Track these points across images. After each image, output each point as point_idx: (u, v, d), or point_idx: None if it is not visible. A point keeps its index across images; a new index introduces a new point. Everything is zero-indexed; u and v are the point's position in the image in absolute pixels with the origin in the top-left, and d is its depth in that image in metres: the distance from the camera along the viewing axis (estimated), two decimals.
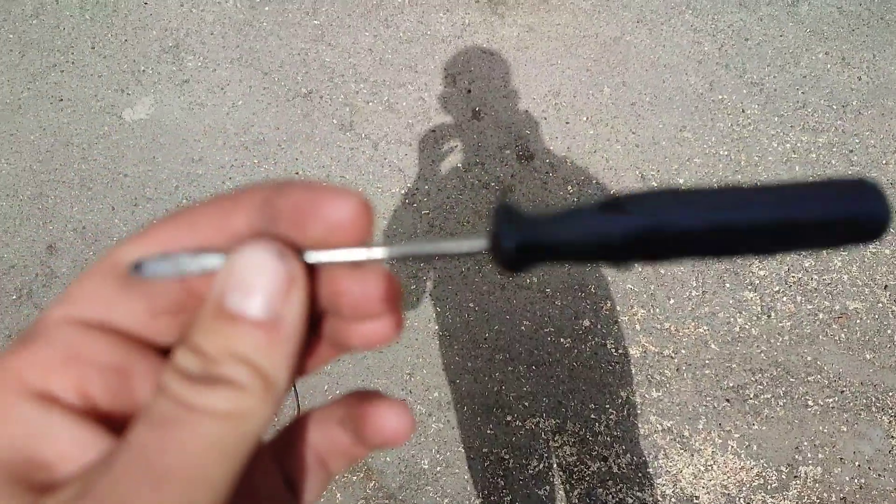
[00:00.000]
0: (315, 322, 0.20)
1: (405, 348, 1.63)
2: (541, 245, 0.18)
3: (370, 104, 1.85)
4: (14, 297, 1.65)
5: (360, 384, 1.60)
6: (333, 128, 1.83)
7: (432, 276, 1.69)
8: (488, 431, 1.56)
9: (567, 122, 1.83)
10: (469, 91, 1.88)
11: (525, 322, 1.65)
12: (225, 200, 0.17)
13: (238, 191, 0.17)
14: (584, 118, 1.83)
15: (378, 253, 0.18)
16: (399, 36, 1.94)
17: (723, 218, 0.17)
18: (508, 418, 1.56)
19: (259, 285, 0.16)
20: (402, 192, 1.76)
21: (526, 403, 1.58)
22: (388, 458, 1.54)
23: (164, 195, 1.77)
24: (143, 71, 1.90)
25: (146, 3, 1.98)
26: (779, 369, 1.58)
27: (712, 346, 1.61)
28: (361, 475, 1.53)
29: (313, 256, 0.17)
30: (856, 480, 1.46)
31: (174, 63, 1.90)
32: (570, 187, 1.77)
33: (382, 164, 1.79)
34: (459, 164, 1.79)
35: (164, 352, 0.18)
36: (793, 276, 1.65)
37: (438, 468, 1.54)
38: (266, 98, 1.87)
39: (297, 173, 1.80)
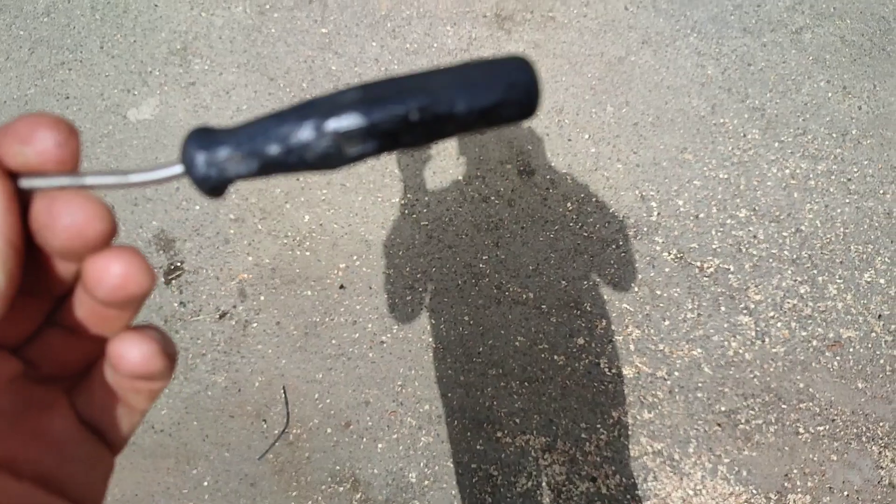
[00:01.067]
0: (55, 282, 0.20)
1: (398, 359, 1.65)
2: (241, 164, 0.18)
3: None
4: None
5: (350, 393, 1.62)
6: None
7: (429, 288, 1.71)
8: (478, 447, 1.57)
9: (569, 140, 1.87)
10: None
11: (519, 338, 1.67)
12: None
13: None
14: (587, 136, 1.87)
15: (84, 180, 0.18)
16: (405, 47, 1.99)
17: (388, 114, 0.18)
18: (499, 434, 1.58)
19: None
20: (402, 202, 1.79)
21: (517, 420, 1.60)
22: (375, 471, 1.56)
23: (164, 196, 1.80)
24: (150, 72, 1.94)
25: (156, 6, 2.02)
26: (771, 395, 1.60)
27: (706, 369, 1.63)
28: (348, 486, 1.55)
29: (26, 182, 0.18)
30: None
31: (181, 65, 1.94)
32: (569, 204, 1.80)
33: (383, 173, 1.82)
34: (460, 177, 1.83)
35: None
36: (788, 303, 1.67)
37: (426, 482, 1.55)
38: (271, 103, 1.91)
39: (297, 178, 1.83)
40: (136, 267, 0.19)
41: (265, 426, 1.60)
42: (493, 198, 1.81)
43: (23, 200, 0.18)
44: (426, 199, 1.80)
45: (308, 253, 1.76)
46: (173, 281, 1.73)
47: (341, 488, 1.54)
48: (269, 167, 0.18)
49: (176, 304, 1.71)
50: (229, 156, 0.18)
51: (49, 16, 2.03)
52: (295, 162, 0.18)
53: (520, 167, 1.85)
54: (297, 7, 2.03)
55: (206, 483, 1.54)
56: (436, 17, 2.03)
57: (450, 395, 1.62)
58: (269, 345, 1.67)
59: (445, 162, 1.85)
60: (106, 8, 2.03)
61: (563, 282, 1.72)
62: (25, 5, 2.05)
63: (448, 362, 1.65)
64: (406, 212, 1.79)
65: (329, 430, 1.59)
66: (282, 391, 1.62)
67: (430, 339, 1.67)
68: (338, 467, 1.56)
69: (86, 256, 0.18)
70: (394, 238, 1.77)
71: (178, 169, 0.19)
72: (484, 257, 1.75)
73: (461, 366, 1.64)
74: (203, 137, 0.19)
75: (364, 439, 1.58)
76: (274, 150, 0.18)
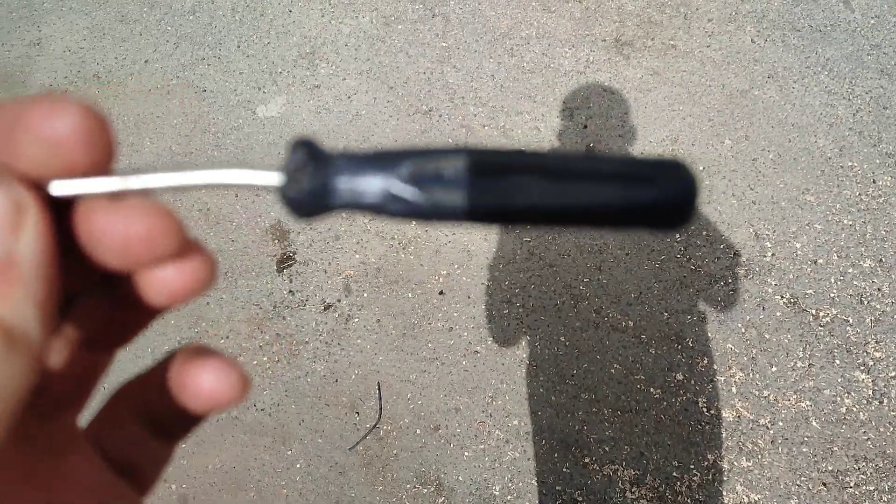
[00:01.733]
0: (107, 281, 0.18)
1: (490, 371, 1.69)
2: (345, 192, 0.17)
3: (486, 128, 1.95)
4: None
5: (442, 398, 1.67)
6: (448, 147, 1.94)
7: (526, 304, 1.74)
8: (564, 469, 1.58)
9: None
10: (585, 126, 1.94)
11: (616, 365, 1.67)
12: None
13: None
14: (701, 167, 1.85)
15: (139, 182, 0.16)
16: (522, 66, 2.04)
17: (506, 203, 0.17)
18: (586, 460, 1.58)
19: None
20: None
21: (606, 448, 1.59)
22: (460, 478, 1.59)
23: None
24: (280, 73, 2.09)
25: (291, 11, 2.18)
26: (886, 461, 1.52)
27: (814, 423, 1.56)
28: (432, 489, 1.59)
29: (55, 188, 0.15)
30: None
31: (308, 69, 2.08)
32: (677, 235, 1.78)
33: None
34: None
35: None
36: None
37: (509, 497, 1.57)
38: (388, 110, 2.01)
39: None
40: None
41: (357, 418, 1.67)
42: None
43: (56, 208, 0.15)
44: None
45: (412, 257, 1.83)
46: (285, 270, 1.85)
47: (425, 490, 1.59)
48: (375, 208, 0.17)
49: (286, 292, 1.82)
50: (343, 184, 0.17)
51: (194, 14, 2.23)
52: (393, 211, 0.17)
53: None
54: (421, 21, 2.13)
55: (298, 465, 1.63)
56: (555, 38, 2.08)
57: (539, 413, 1.64)
58: (368, 341, 1.75)
59: None
60: (245, 10, 2.21)
61: (666, 314, 1.71)
62: (175, 3, 2.26)
63: (540, 380, 1.67)
64: (508, 226, 1.83)
65: (418, 431, 1.64)
66: (376, 387, 1.69)
67: (524, 355, 1.70)
68: (423, 469, 1.61)
69: (142, 272, 0.16)
70: (495, 251, 1.81)
71: (274, 179, 0.17)
72: (585, 279, 1.76)
73: (553, 385, 1.66)
74: (311, 152, 0.17)
75: (451, 445, 1.62)
76: (381, 193, 0.17)
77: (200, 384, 0.18)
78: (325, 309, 1.80)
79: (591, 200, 0.16)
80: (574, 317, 1.72)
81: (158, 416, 0.20)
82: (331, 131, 1.98)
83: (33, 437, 0.17)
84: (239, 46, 2.14)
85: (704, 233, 1.78)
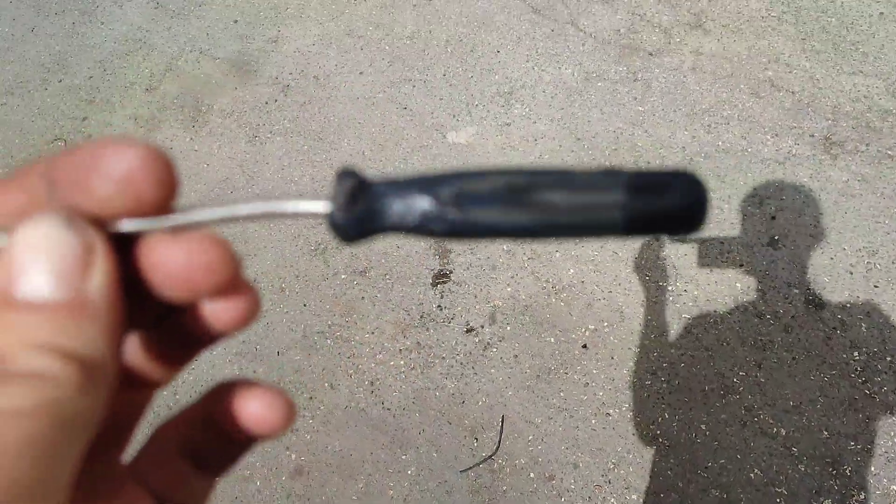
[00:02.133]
0: (161, 314, 0.20)
1: (619, 437, 1.79)
2: (388, 217, 0.19)
3: None
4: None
5: (563, 450, 1.80)
6: None
7: (671, 382, 1.83)
8: None
9: (875, 286, 1.87)
10: (773, 218, 2.03)
11: (756, 471, 1.69)
12: (2, 179, 0.17)
13: (18, 168, 0.17)
14: None
15: (197, 216, 0.18)
16: (717, 143, 2.19)
17: (531, 222, 0.19)
18: None
19: (49, 262, 0.16)
20: (669, 288, 1.96)
21: None
22: None
23: None
24: (476, 105, 2.41)
25: (498, 52, 2.52)
26: None
27: None
28: None
29: (122, 225, 0.18)
30: None
31: (503, 107, 2.39)
32: (857, 353, 1.79)
33: (659, 254, 2.02)
34: (738, 284, 1.94)
35: None
36: None
37: None
38: (570, 159, 2.24)
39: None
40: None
41: (475, 444, 1.84)
42: (768, 317, 1.88)
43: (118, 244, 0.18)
44: (695, 293, 1.94)
45: (562, 304, 2.01)
46: (439, 285, 2.11)
47: None
48: (417, 228, 0.20)
49: (434, 306, 2.07)
50: (387, 207, 0.19)
51: (412, 40, 2.65)
52: (434, 231, 0.20)
53: (808, 296, 1.89)
54: (622, 82, 2.37)
55: (409, 471, 1.83)
56: (758, 123, 2.21)
57: (662, 495, 1.70)
58: (502, 373, 1.93)
59: (726, 264, 1.98)
60: (457, 44, 2.59)
61: (825, 432, 1.71)
62: (396, 27, 2.71)
63: (670, 462, 1.74)
64: (670, 298, 1.95)
65: (532, 475, 1.78)
66: (500, 419, 1.86)
67: (658, 432, 1.78)
68: None
69: (201, 300, 0.19)
70: (650, 319, 1.93)
71: (322, 207, 0.19)
72: (741, 373, 1.82)
73: (683, 472, 1.72)
74: (356, 181, 0.20)
75: (562, 499, 1.73)
76: (412, 215, 0.19)
77: (247, 410, 0.20)
78: (468, 331, 2.02)
79: (612, 212, 0.19)
80: (721, 408, 1.78)
81: (202, 450, 0.22)
82: None
83: (82, 478, 0.17)
84: (444, 75, 2.51)
85: (889, 359, 1.77)
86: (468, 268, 2.12)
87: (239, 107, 2.55)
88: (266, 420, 0.20)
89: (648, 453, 1.76)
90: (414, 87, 2.51)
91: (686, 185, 0.19)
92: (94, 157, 0.17)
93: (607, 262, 2.04)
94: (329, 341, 2.07)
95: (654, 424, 1.79)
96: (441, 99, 2.46)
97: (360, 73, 2.59)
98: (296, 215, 0.20)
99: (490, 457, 1.81)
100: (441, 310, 2.07)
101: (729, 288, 1.93)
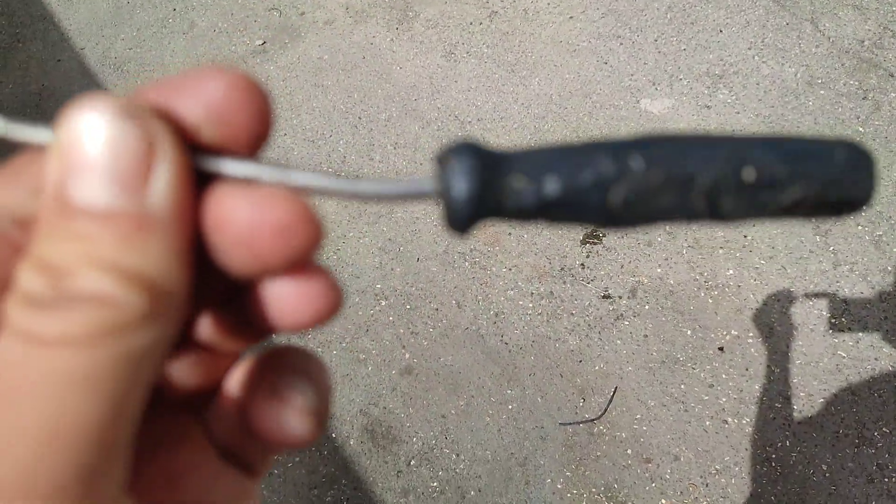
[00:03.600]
0: (229, 291, 0.19)
1: (730, 446, 1.80)
2: (511, 194, 0.18)
3: (860, 227, 2.02)
4: None
5: (668, 439, 1.84)
6: (807, 224, 2.05)
7: (803, 411, 1.81)
8: None
9: None
10: None
11: None
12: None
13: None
14: None
15: (286, 176, 0.17)
16: None
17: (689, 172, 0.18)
18: None
19: (104, 163, 0.14)
20: (833, 321, 1.90)
21: None
22: None
23: None
24: (680, 79, 2.40)
25: (720, 31, 2.47)
26: None
27: None
28: None
29: (209, 162, 0.16)
30: None
31: (709, 87, 2.36)
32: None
33: (832, 284, 1.95)
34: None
35: None
36: None
37: None
38: None
39: (744, 235, 2.08)
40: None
41: (581, 404, 1.93)
42: None
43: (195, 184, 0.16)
44: (860, 334, 1.88)
45: (710, 301, 2.01)
46: (588, 244, 2.17)
47: None
48: (552, 206, 0.18)
49: (578, 263, 2.15)
50: (514, 182, 0.18)
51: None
52: (584, 205, 0.18)
53: None
54: (848, 97, 2.26)
55: (510, 406, 1.95)
56: None
57: None
58: (627, 347, 1.98)
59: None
60: (679, 12, 2.56)
61: None
62: None
63: (777, 489, 1.73)
64: (830, 332, 1.90)
65: (629, 451, 1.84)
66: (613, 389, 1.93)
67: (774, 457, 1.77)
68: (616, 486, 1.80)
69: (269, 273, 0.17)
70: (800, 346, 1.89)
71: (429, 186, 0.18)
72: (884, 429, 1.76)
73: (789, 499, 1.71)
74: (477, 155, 0.18)
75: (654, 484, 1.79)
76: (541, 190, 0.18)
77: (278, 427, 0.19)
78: (604, 297, 2.08)
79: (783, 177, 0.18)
80: (850, 456, 1.74)
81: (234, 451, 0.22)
82: None
83: (151, 429, 0.17)
84: (656, 40, 2.51)
85: None
86: (623, 236, 2.16)
87: (444, 20, 2.69)
88: (289, 437, 0.19)
89: (756, 473, 1.76)
90: (621, 44, 2.53)
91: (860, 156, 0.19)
92: (188, 81, 0.16)
93: (772, 274, 2.01)
94: (467, 263, 2.21)
95: (771, 447, 1.79)
96: (645, 63, 2.46)
97: (571, 17, 2.63)
98: (391, 198, 0.18)
99: (593, 420, 1.89)
100: (583, 268, 2.13)
101: None
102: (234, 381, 0.22)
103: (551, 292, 2.11)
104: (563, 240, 2.19)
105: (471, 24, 2.67)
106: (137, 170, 0.15)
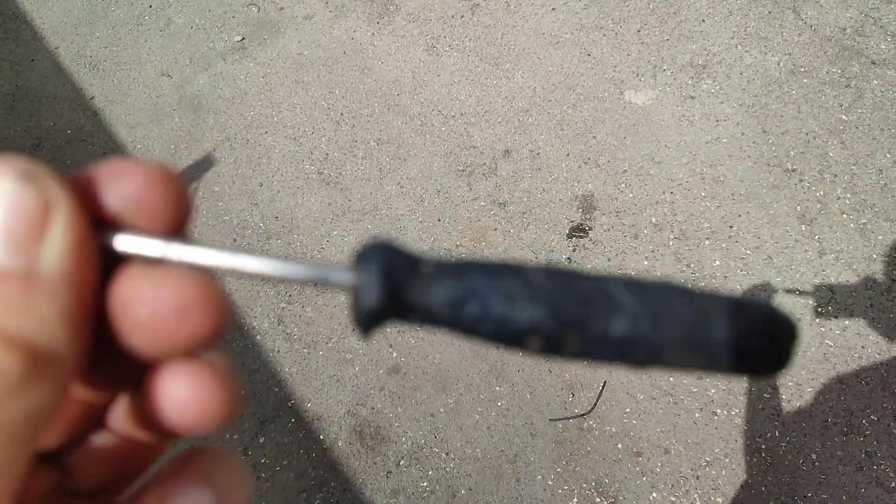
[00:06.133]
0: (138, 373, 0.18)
1: (720, 438, 1.79)
2: (410, 309, 0.17)
3: (844, 216, 2.02)
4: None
5: (658, 432, 1.83)
6: (792, 213, 2.05)
7: (790, 401, 1.80)
8: None
9: None
10: None
11: None
12: None
13: None
14: None
15: (198, 254, 0.16)
16: None
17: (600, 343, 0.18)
18: None
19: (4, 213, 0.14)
20: (820, 310, 1.90)
21: None
22: None
23: (609, 171, 2.23)
24: (664, 70, 2.38)
25: (703, 21, 2.46)
26: None
27: None
28: (605, 502, 1.77)
29: (121, 242, 0.16)
30: None
31: (693, 78, 2.34)
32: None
33: (818, 274, 1.95)
34: None
35: None
36: None
37: None
38: (749, 151, 2.18)
39: (729, 225, 2.07)
40: (215, 393, 0.17)
41: (570, 399, 1.91)
42: None
43: (105, 261, 0.16)
44: (846, 322, 1.88)
45: None
46: (574, 238, 2.16)
47: (598, 499, 1.77)
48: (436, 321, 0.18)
49: (564, 257, 2.13)
50: (420, 294, 0.18)
51: None
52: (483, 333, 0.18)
53: None
54: (831, 85, 2.25)
55: (499, 403, 1.93)
56: None
57: None
58: None
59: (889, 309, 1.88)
60: (662, 3, 2.54)
61: None
62: None
63: (767, 480, 1.73)
64: (817, 321, 1.89)
65: (619, 446, 1.83)
66: (602, 384, 1.91)
67: (764, 447, 1.77)
68: (607, 481, 1.79)
69: (173, 356, 0.17)
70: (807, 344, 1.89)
71: (347, 279, 0.18)
72: (872, 417, 1.76)
73: (778, 494, 1.71)
74: (397, 258, 0.18)
75: (644, 478, 1.78)
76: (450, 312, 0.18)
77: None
78: None
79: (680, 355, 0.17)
80: (839, 445, 1.74)
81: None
82: (683, 143, 2.23)
83: None
84: (639, 31, 2.49)
85: None
86: (609, 230, 2.15)
87: (425, 14, 2.66)
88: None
89: (747, 463, 1.76)
90: (604, 35, 2.51)
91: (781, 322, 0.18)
92: (108, 173, 0.16)
93: (758, 264, 2.00)
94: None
95: (761, 438, 1.78)
96: (629, 55, 2.44)
97: (553, 8, 2.60)
98: (316, 282, 0.18)
99: (583, 415, 1.88)
100: (570, 262, 2.12)
101: (887, 329, 1.85)
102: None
103: None
104: (550, 234, 2.17)
105: (452, 17, 2.64)
106: (30, 229, 0.14)
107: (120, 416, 0.20)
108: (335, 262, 0.18)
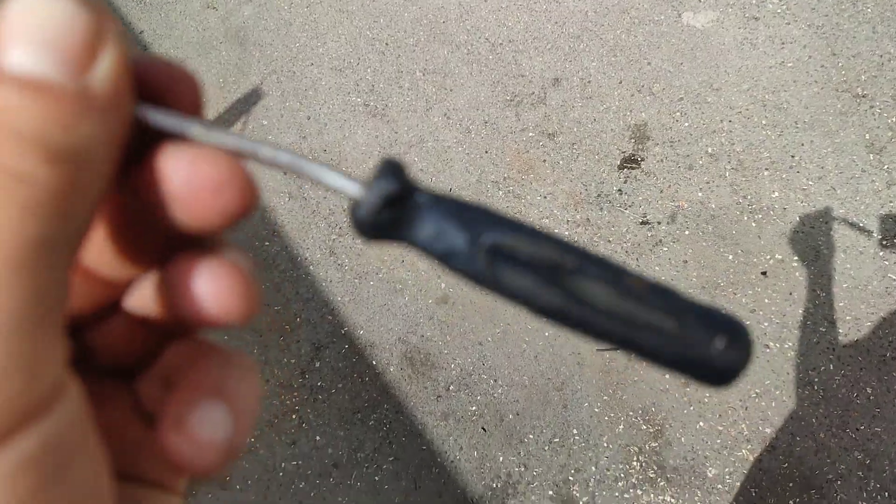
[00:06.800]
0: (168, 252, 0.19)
1: (771, 371, 1.78)
2: (402, 237, 0.19)
3: None
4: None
5: None
6: (860, 141, 1.94)
7: (851, 336, 1.76)
8: (790, 502, 1.65)
9: None
10: None
11: None
12: None
13: None
14: None
15: (222, 137, 0.17)
16: None
17: (566, 312, 0.18)
18: (823, 502, 1.63)
19: (47, 34, 0.14)
20: (885, 243, 1.82)
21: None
22: (682, 439, 1.76)
23: (664, 99, 2.14)
24: None
25: None
26: None
27: None
28: (651, 430, 1.79)
29: (150, 116, 0.17)
30: None
31: None
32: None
33: (884, 205, 1.86)
34: None
35: None
36: None
37: (720, 486, 1.71)
38: (816, 76, 2.05)
39: (791, 154, 1.98)
40: (237, 288, 0.18)
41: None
42: None
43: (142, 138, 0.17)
44: None
45: (754, 224, 1.94)
46: (626, 169, 2.10)
47: (644, 427, 1.80)
48: (440, 258, 0.20)
49: (615, 189, 2.08)
50: (419, 225, 0.19)
51: None
52: (453, 266, 0.19)
53: None
54: None
55: (546, 333, 1.95)
56: None
57: (799, 439, 1.70)
58: (666, 273, 1.94)
59: None
60: None
61: None
62: None
63: (818, 413, 1.71)
64: (880, 254, 1.82)
65: (667, 376, 1.83)
66: None
67: (816, 380, 1.75)
68: (653, 409, 1.81)
69: (204, 232, 0.17)
70: (848, 269, 1.82)
71: (355, 190, 0.19)
72: None
73: (829, 426, 1.70)
74: (399, 186, 0.19)
75: (691, 407, 1.79)
76: (448, 246, 0.19)
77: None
78: (643, 223, 2.02)
79: (654, 337, 0.18)
80: (895, 377, 1.71)
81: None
82: (742, 68, 2.11)
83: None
84: None
85: None
86: (662, 160, 2.08)
87: None
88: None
89: (798, 396, 1.74)
90: None
91: (740, 346, 0.19)
92: (143, 60, 0.17)
93: (820, 195, 1.92)
94: (501, 193, 2.16)
95: (814, 371, 1.76)
96: None
97: None
98: (321, 184, 0.19)
99: None
100: (621, 194, 2.07)
101: None
102: (169, 359, 0.21)
103: (587, 219, 2.07)
104: (601, 165, 2.12)
105: None
106: (84, 51, 0.14)
107: (139, 298, 0.20)
108: (347, 172, 0.19)
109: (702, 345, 0.18)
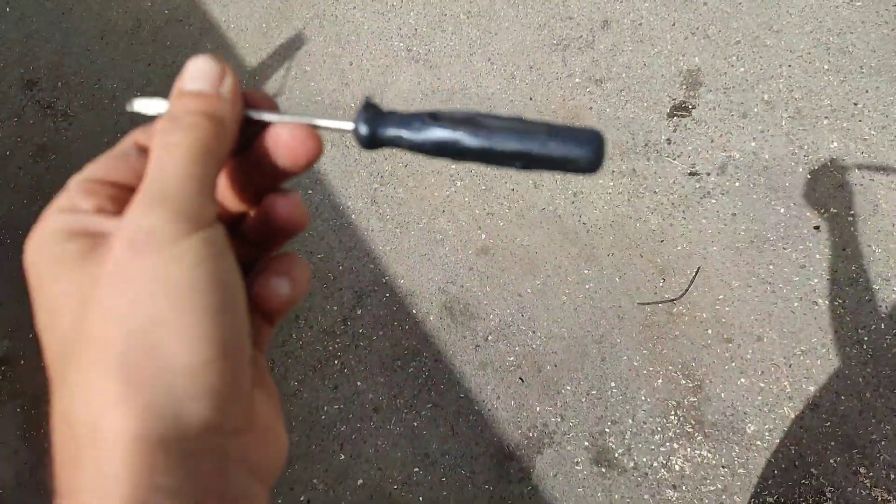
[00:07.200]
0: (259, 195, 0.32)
1: (818, 328, 1.73)
2: (386, 137, 0.30)
3: None
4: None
5: (752, 320, 1.78)
6: None
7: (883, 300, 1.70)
8: (830, 462, 1.64)
9: None
10: None
11: None
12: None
13: None
14: None
15: (284, 117, 0.30)
16: None
17: (487, 144, 0.28)
18: (862, 469, 1.61)
19: (202, 74, 0.29)
20: None
21: (890, 474, 1.60)
22: (722, 395, 1.75)
23: (720, 42, 2.03)
24: None
25: None
26: None
27: None
28: (691, 385, 1.78)
29: (250, 113, 0.30)
30: None
31: None
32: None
33: None
34: None
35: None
36: None
37: (758, 443, 1.70)
38: (887, 16, 1.91)
39: (854, 105, 1.86)
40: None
41: (661, 284, 1.88)
42: None
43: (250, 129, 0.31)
44: None
45: (809, 176, 1.86)
46: (675, 117, 2.02)
47: (683, 382, 1.79)
48: (399, 145, 0.30)
49: (663, 138, 2.01)
50: (385, 130, 0.30)
51: None
52: (416, 148, 0.30)
53: None
54: None
55: (588, 286, 1.94)
56: None
57: (843, 398, 1.67)
58: (713, 226, 1.89)
59: None
60: None
61: None
62: None
63: (866, 372, 1.67)
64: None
65: (709, 332, 1.81)
66: (695, 269, 1.86)
67: (866, 339, 1.70)
68: (694, 365, 1.80)
69: (292, 174, 0.31)
70: None
71: (349, 125, 0.30)
72: None
73: (876, 385, 1.66)
74: (371, 112, 0.30)
75: (733, 363, 1.77)
76: (401, 137, 0.30)
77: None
78: (691, 174, 1.96)
79: (536, 148, 0.28)
80: None
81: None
82: (807, 8, 1.97)
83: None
84: None
85: None
86: (715, 108, 1.99)
87: None
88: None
89: (845, 354, 1.70)
90: None
91: (591, 139, 0.28)
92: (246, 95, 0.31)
93: (883, 146, 1.81)
94: None
95: (864, 329, 1.71)
96: None
97: None
98: (330, 130, 0.31)
99: (674, 300, 1.86)
100: (669, 144, 2.00)
101: None
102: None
103: (634, 170, 2.01)
104: (649, 113, 2.05)
105: None
106: (217, 78, 0.30)
107: (247, 223, 0.34)
108: (344, 117, 0.32)
109: (572, 149, 0.28)
